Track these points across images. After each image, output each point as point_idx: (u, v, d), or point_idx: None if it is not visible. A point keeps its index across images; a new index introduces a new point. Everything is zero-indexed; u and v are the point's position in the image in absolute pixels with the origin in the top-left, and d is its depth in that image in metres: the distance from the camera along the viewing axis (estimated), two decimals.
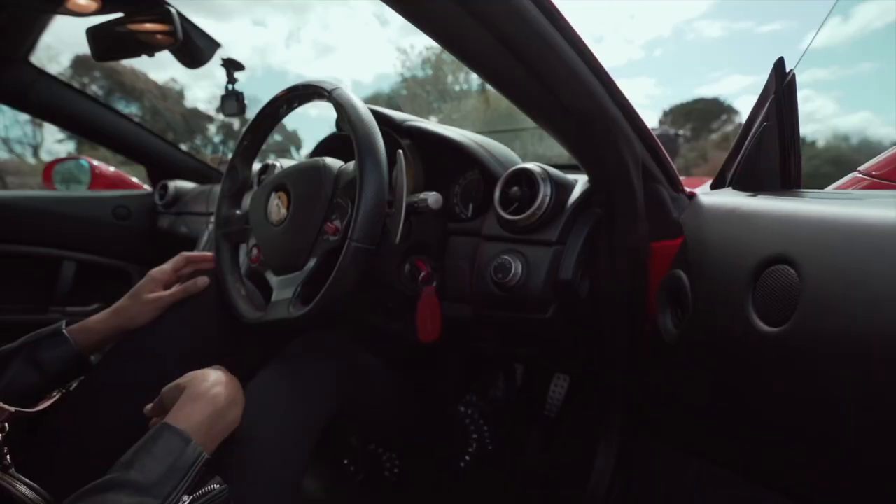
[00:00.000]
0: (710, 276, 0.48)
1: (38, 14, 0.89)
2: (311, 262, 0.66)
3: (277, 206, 0.71)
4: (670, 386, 0.61)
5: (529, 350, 0.84)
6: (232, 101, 1.07)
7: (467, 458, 1.06)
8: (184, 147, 1.74)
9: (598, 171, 0.67)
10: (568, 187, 0.73)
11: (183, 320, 0.74)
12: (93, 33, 0.89)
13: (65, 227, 1.51)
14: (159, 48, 0.88)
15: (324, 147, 0.97)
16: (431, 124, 0.82)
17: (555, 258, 0.69)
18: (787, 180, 0.56)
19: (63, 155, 1.85)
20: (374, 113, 0.76)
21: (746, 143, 0.60)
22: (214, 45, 0.98)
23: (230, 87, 1.07)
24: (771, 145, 0.55)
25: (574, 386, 1.12)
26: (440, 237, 0.81)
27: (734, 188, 0.61)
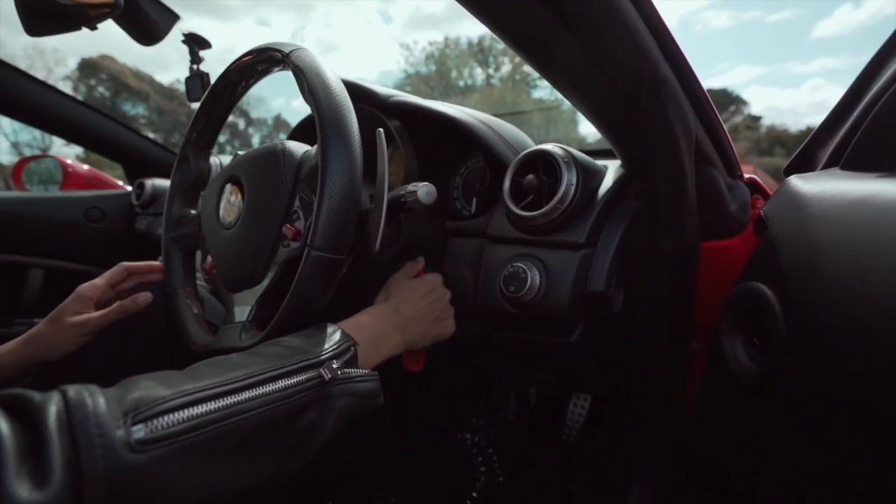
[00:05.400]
0: (829, 298, 0.33)
1: None
2: (270, 276, 0.52)
3: (230, 204, 0.57)
4: (742, 438, 0.46)
5: (547, 375, 0.69)
6: (197, 83, 0.93)
7: (474, 494, 0.92)
8: None
9: (639, 150, 0.52)
10: (598, 174, 0.58)
11: (118, 348, 0.61)
12: (23, 3, 0.75)
13: (32, 230, 1.38)
14: (99, 19, 0.73)
15: (303, 130, 0.82)
16: (424, 100, 0.67)
17: (582, 265, 0.54)
18: None
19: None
20: (351, 86, 0.61)
21: (866, 102, 0.44)
22: (172, 18, 0.84)
23: (195, 67, 0.93)
24: None
25: (597, 406, 0.98)
26: (437, 239, 0.66)
27: (845, 168, 0.45)
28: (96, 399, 0.28)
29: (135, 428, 0.28)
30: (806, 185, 0.41)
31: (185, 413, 0.30)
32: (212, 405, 0.31)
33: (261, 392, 0.34)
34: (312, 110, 0.46)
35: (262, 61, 0.55)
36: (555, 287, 0.54)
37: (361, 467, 0.79)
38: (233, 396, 0.33)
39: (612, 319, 0.57)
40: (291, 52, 0.50)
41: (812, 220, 0.37)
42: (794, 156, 0.53)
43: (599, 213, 0.54)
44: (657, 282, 0.61)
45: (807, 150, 0.52)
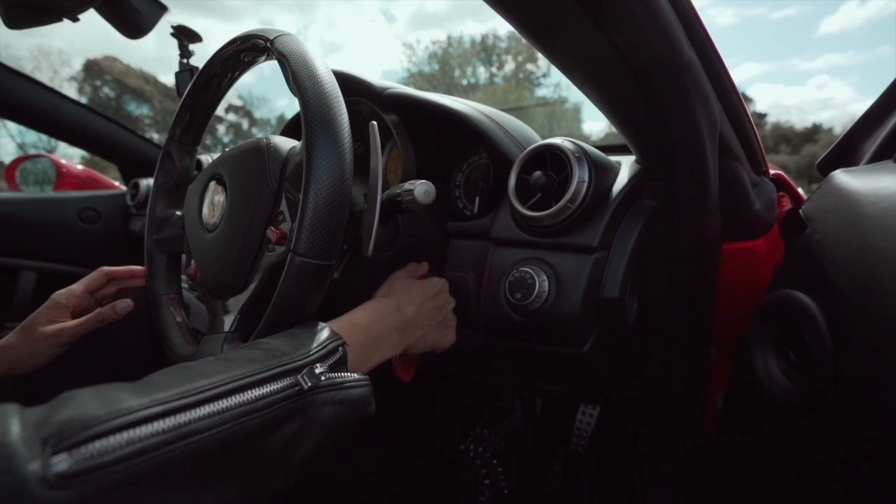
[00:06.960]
0: (890, 310, 0.28)
1: None
2: (255, 283, 0.47)
3: (213, 204, 0.53)
4: (776, 454, 0.41)
5: (555, 387, 0.65)
6: (187, 77, 0.89)
7: None
8: None
9: (658, 144, 0.47)
10: (611, 171, 0.53)
11: (96, 360, 0.56)
12: None
13: (24, 232, 1.35)
14: (80, 9, 0.69)
15: (299, 125, 0.78)
16: (423, 93, 0.62)
17: (595, 270, 0.49)
18: None
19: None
20: (344, 77, 0.57)
21: None
22: (159, 10, 0.80)
23: (185, 61, 0.89)
24: None
25: (606, 414, 0.93)
26: (437, 241, 0.62)
27: None
28: (7, 423, 0.23)
29: (55, 459, 0.23)
30: (856, 180, 0.36)
31: (124, 436, 0.25)
32: (159, 425, 0.26)
33: (224, 406, 0.29)
34: (298, 100, 0.42)
35: (246, 49, 0.51)
36: (565, 294, 0.49)
37: (351, 476, 0.75)
38: (187, 413, 0.27)
39: (626, 328, 0.53)
40: (276, 38, 0.45)
41: (867, 220, 0.32)
42: (830, 149, 0.48)
43: (613, 213, 0.50)
44: (675, 287, 0.57)
45: (846, 143, 0.47)
